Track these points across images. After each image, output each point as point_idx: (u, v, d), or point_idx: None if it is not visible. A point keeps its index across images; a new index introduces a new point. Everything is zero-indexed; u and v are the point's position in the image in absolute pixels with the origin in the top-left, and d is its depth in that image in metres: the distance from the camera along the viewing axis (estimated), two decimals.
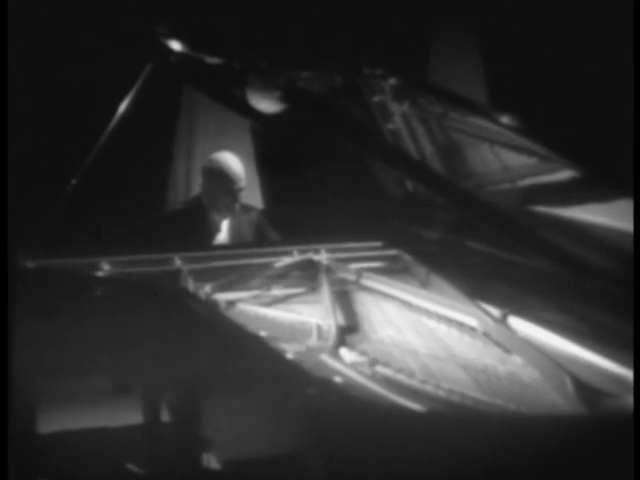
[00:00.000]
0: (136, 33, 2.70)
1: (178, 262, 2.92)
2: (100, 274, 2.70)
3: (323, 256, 3.01)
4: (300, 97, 2.42)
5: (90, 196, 2.93)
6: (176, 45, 2.57)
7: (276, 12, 4.44)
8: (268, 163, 4.78)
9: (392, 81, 2.69)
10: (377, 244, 3.17)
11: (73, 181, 2.77)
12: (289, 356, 2.12)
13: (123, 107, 2.83)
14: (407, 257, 3.00)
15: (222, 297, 2.65)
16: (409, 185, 3.21)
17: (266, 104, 2.63)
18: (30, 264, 2.69)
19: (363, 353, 2.17)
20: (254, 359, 2.15)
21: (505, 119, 2.34)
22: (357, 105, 3.10)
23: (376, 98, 3.06)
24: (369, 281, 2.81)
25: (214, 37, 2.98)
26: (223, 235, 3.78)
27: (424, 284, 2.77)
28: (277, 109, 2.61)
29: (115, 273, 2.74)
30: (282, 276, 2.93)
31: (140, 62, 2.85)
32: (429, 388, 1.94)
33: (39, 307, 2.68)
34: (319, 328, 2.38)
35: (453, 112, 2.73)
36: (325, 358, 2.12)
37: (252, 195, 4.47)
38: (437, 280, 2.71)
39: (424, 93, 2.73)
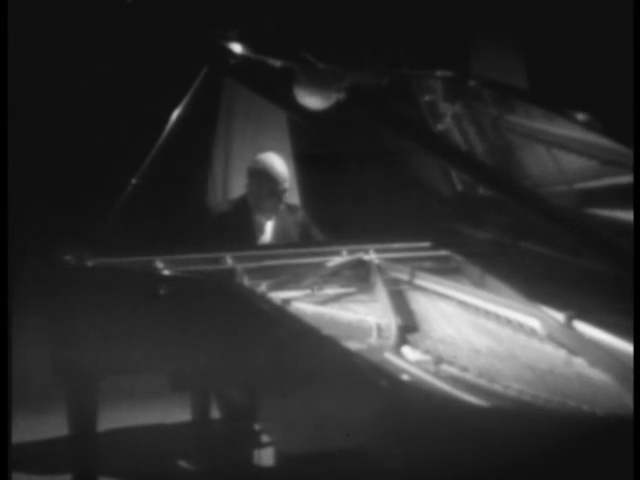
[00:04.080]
0: (198, 36, 2.72)
1: (230, 261, 2.95)
2: (164, 273, 2.72)
3: (373, 256, 3.02)
4: (363, 96, 2.44)
5: (144, 196, 2.97)
6: (238, 48, 2.60)
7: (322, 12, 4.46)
8: (306, 163, 4.80)
9: (471, 83, 2.69)
10: (426, 244, 3.18)
11: (133, 181, 2.80)
12: (353, 353, 2.13)
13: (180, 109, 2.86)
14: (458, 258, 3.01)
15: (277, 295, 2.68)
16: (458, 185, 3.20)
17: (313, 101, 2.64)
18: (90, 262, 2.73)
19: (427, 351, 2.19)
20: (319, 356, 2.17)
21: (580, 117, 2.33)
22: (406, 104, 3.09)
23: (427, 98, 3.04)
24: (423, 281, 2.80)
25: (270, 39, 3.00)
26: (267, 236, 3.79)
27: (478, 285, 2.76)
28: (324, 106, 2.62)
29: (171, 271, 2.77)
30: (334, 275, 2.95)
31: (195, 64, 2.89)
32: (498, 387, 1.95)
33: (97, 305, 2.72)
34: (378, 326, 2.39)
35: (510, 114, 2.72)
36: (389, 356, 2.14)
37: (290, 195, 4.49)
38: (492, 281, 2.71)
39: (504, 97, 2.70)
